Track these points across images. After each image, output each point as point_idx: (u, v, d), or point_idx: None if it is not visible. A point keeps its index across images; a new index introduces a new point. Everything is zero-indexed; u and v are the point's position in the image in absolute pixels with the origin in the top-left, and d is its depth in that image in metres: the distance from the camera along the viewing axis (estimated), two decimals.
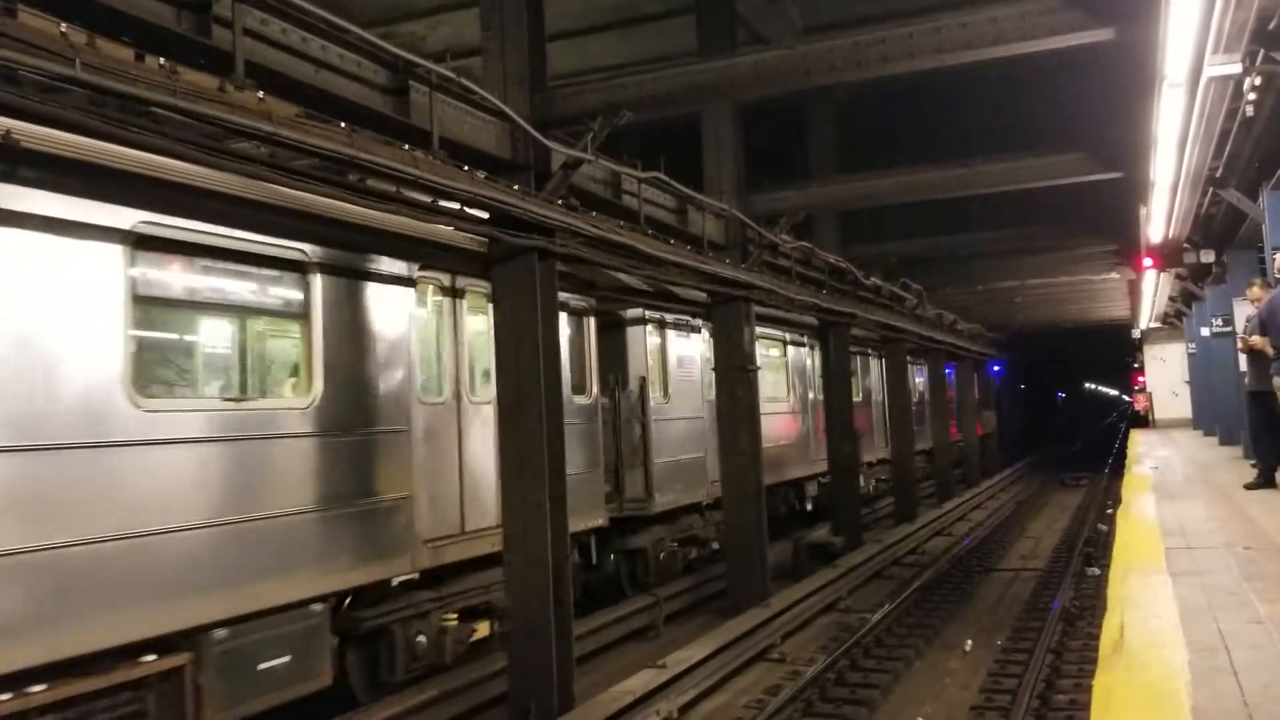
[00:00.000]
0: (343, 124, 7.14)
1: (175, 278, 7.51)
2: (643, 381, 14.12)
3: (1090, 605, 13.32)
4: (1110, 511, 20.18)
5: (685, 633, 12.80)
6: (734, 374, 13.87)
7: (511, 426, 9.30)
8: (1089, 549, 17.41)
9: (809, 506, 19.77)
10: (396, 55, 8.05)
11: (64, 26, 5.21)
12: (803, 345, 20.17)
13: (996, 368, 40.97)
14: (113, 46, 5.73)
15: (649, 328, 14.52)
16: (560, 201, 9.58)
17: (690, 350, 15.54)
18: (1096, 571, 15.19)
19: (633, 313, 14.28)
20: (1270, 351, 10.49)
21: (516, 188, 8.97)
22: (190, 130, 5.95)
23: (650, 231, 11.49)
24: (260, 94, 6.30)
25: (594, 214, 10.21)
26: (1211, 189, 12.75)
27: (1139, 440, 25.43)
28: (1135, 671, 4.61)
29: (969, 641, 12.27)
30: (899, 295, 22.43)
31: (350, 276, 8.82)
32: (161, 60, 5.85)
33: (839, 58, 9.30)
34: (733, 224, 14.25)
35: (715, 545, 15.44)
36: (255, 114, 6.18)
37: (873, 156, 19.32)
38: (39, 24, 5.11)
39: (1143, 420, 37.07)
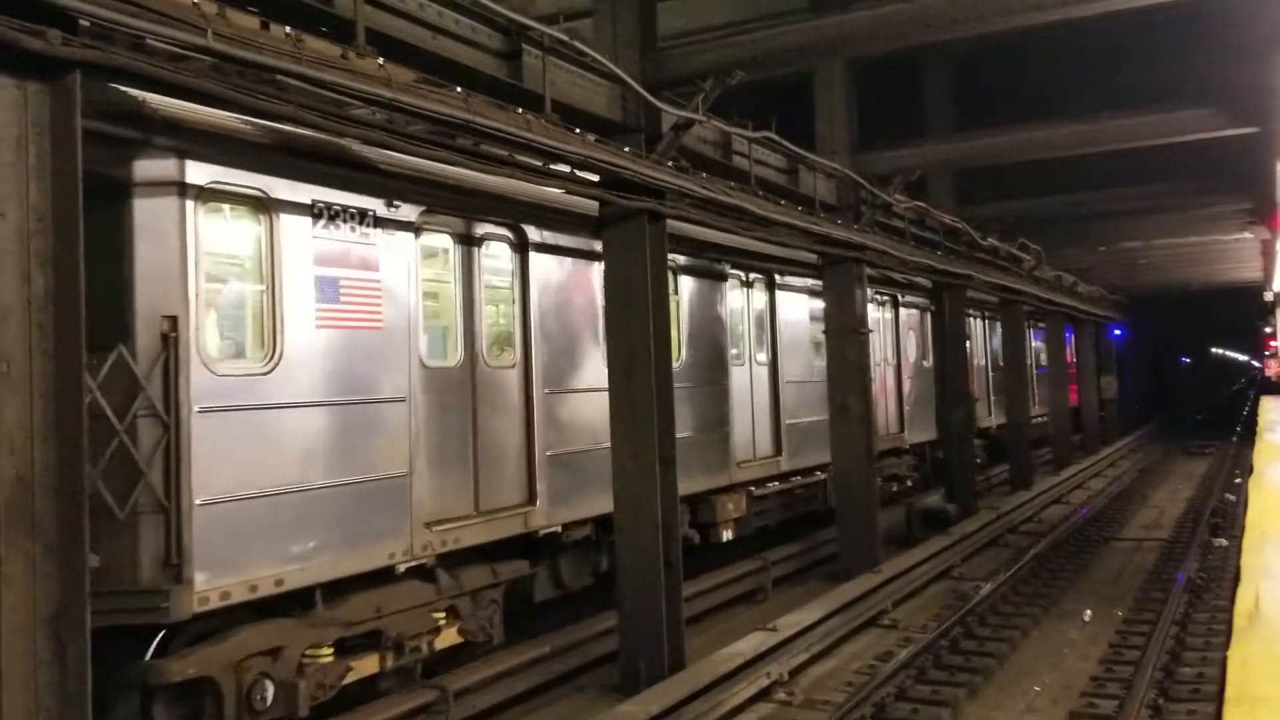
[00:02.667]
0: (458, 89, 7.20)
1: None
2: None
3: (1217, 577, 12.84)
4: (1239, 481, 19.40)
5: (792, 597, 12.78)
6: (845, 337, 13.69)
7: (622, 389, 9.35)
8: (1216, 519, 16.76)
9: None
10: (510, 19, 8.10)
11: None
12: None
13: (1118, 331, 39.61)
14: (240, 16, 5.89)
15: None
16: (670, 163, 9.55)
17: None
18: (1224, 543, 14.63)
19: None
20: None
21: (628, 150, 8.96)
22: (312, 97, 6.09)
23: (760, 192, 11.37)
24: (380, 60, 6.41)
25: (704, 175, 10.15)
26: None
27: (1270, 407, 24.34)
28: (1273, 643, 4.43)
29: (1088, 612, 11.96)
30: (1016, 256, 21.81)
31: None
32: (287, 29, 5.99)
33: (960, 10, 9.02)
34: (845, 184, 14.01)
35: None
36: (376, 80, 6.28)
37: (990, 114, 18.72)
38: None
39: (1275, 387, 35.47)
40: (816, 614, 10.85)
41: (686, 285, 12.40)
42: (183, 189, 6.72)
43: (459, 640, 8.89)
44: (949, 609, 12.05)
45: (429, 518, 8.35)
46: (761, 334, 14.43)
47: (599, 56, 8.81)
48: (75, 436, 4.62)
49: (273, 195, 7.29)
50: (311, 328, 7.51)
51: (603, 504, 9.71)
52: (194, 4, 5.22)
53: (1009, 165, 18.59)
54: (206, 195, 6.89)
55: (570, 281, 10.31)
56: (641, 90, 9.12)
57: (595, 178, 8.86)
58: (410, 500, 8.17)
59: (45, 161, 4.71)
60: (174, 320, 6.59)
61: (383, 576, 8.01)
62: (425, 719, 8.22)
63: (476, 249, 9.27)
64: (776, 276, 14.60)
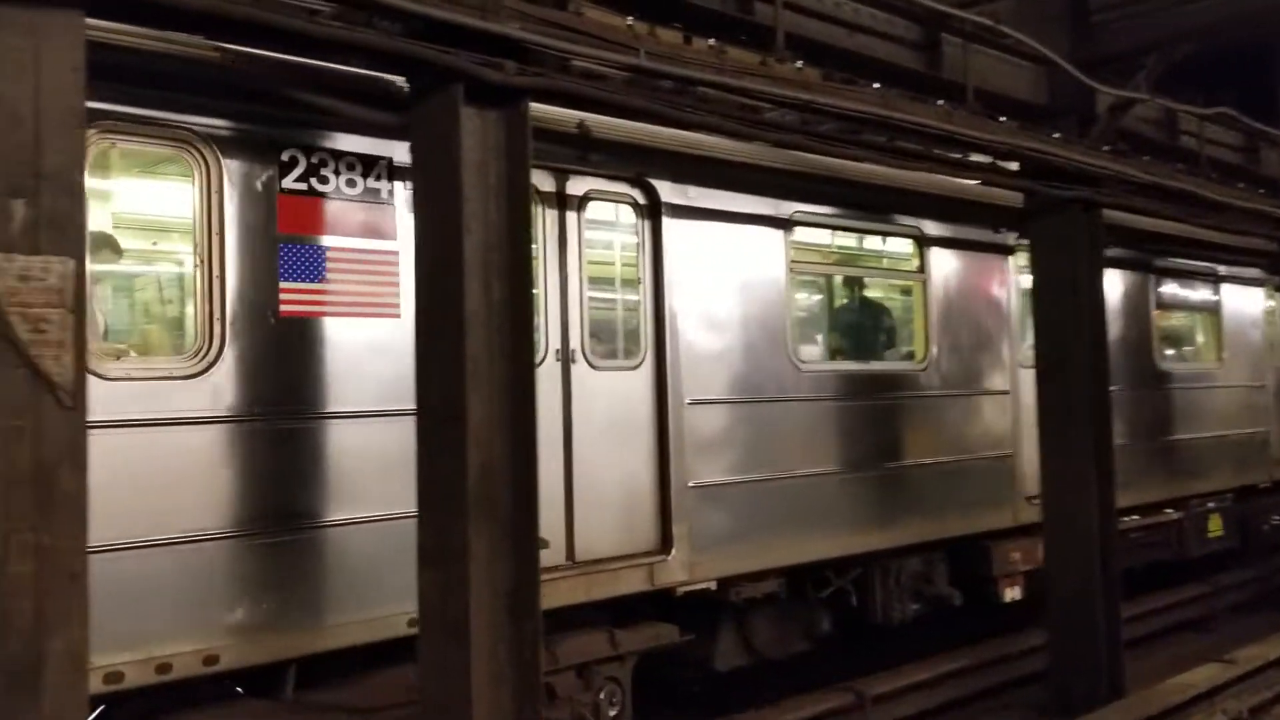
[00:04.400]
0: (875, 85, 7.11)
1: None
2: None
3: None
4: None
5: (1245, 627, 11.34)
6: None
7: (1051, 393, 8.75)
8: None
9: None
10: (928, 9, 7.88)
11: (629, 19, 5.73)
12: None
13: None
14: (665, 33, 6.19)
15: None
16: (1106, 147, 8.82)
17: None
18: None
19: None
20: None
21: (1057, 135, 8.39)
22: (728, 105, 6.25)
23: (1212, 175, 10.22)
24: (799, 63, 6.48)
25: (1145, 158, 9.29)
26: None
27: None
28: None
29: None
30: None
31: None
32: (711, 41, 6.21)
33: None
34: None
35: None
36: (793, 84, 6.36)
37: None
38: (604, 18, 5.67)
39: None
40: None
41: None
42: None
43: None
44: None
45: None
46: None
47: (1026, 39, 8.33)
48: (529, 429, 5.06)
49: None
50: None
51: (799, 549, 7.78)
52: (628, 27, 5.56)
53: None
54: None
55: (736, 259, 7.70)
56: (1073, 70, 8.50)
57: (1014, 166, 8.37)
58: None
59: (502, 182, 5.20)
60: None
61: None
62: None
63: (579, 211, 7.02)
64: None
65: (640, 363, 7.12)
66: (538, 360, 6.43)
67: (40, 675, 3.88)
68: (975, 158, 8.00)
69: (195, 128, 5.30)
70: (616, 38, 5.39)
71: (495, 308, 5.11)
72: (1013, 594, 9.70)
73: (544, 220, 6.69)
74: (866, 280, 9.50)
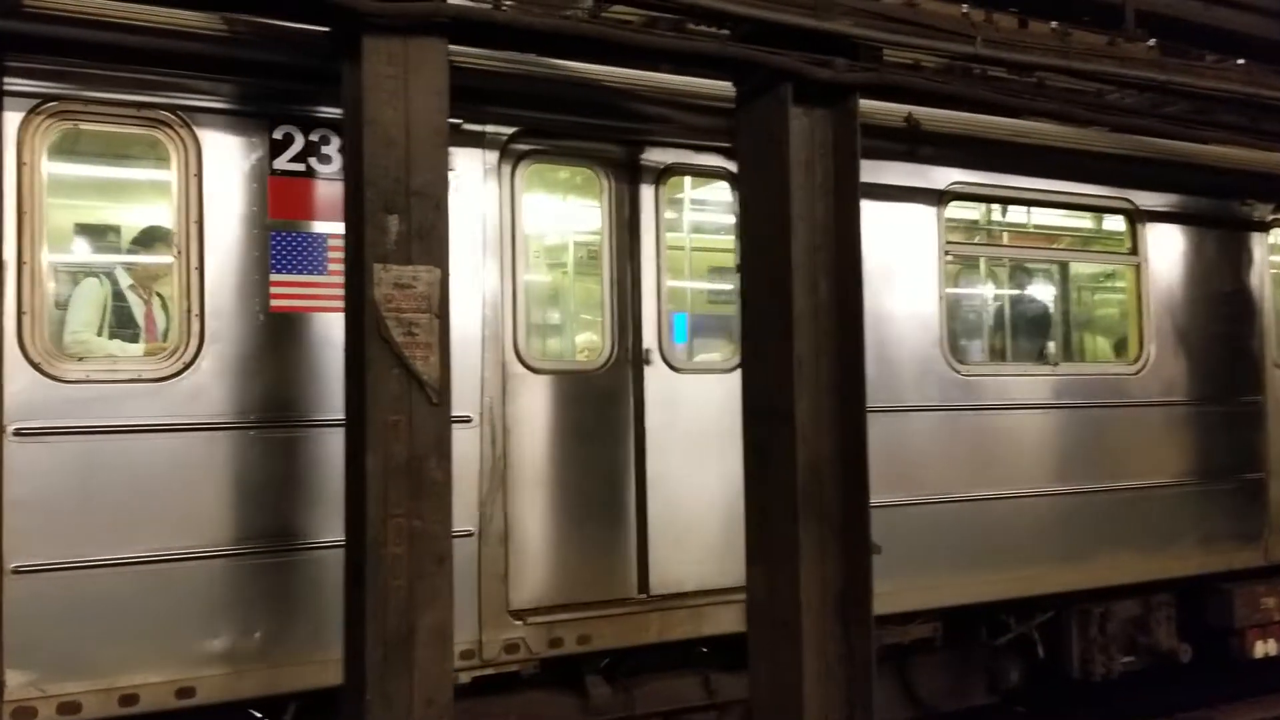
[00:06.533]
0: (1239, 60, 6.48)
1: None
2: None
3: None
4: None
5: None
6: None
7: None
8: None
9: None
10: None
11: (964, 7, 5.53)
12: None
13: None
14: (1001, 18, 5.93)
15: None
16: None
17: None
18: None
19: None
20: None
21: None
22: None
23: None
24: (1151, 42, 6.02)
25: None
26: None
27: None
28: None
29: None
30: None
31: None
32: (1053, 24, 5.90)
33: None
34: None
35: None
36: (1143, 64, 5.91)
37: None
38: (938, 8, 5.49)
39: None
40: None
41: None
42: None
43: None
44: None
45: (517, 604, 5.49)
46: None
47: None
48: (859, 429, 5.01)
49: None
50: None
51: (958, 589, 6.57)
52: (963, 14, 5.38)
53: None
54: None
55: (880, 237, 6.31)
56: None
57: None
58: (479, 571, 5.37)
59: (829, 181, 5.17)
60: None
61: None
62: None
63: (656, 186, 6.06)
64: None
65: (730, 363, 6.01)
66: (599, 362, 5.84)
67: (412, 648, 4.28)
68: None
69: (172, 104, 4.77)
70: (952, 27, 5.22)
71: (822, 307, 5.09)
72: (1265, 649, 7.92)
73: (613, 199, 5.89)
74: (1057, 265, 8.20)
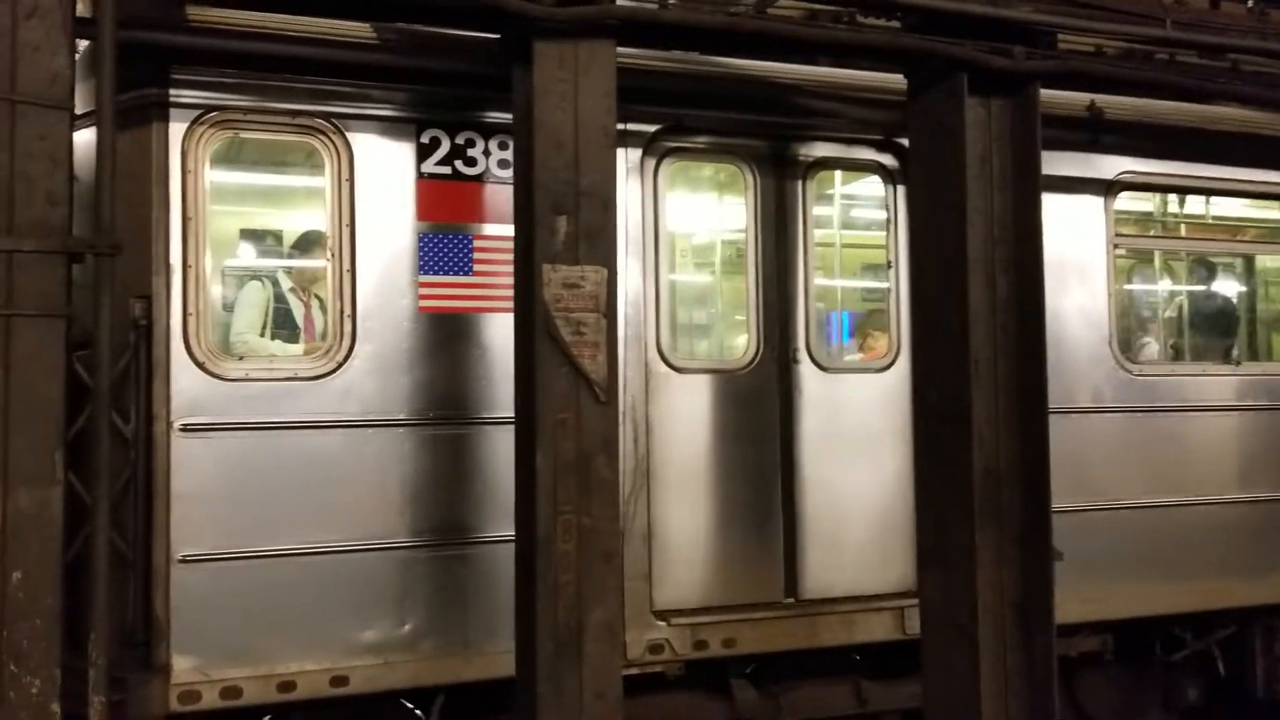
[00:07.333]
0: None
1: None
2: None
3: None
4: None
5: None
6: None
7: None
8: None
9: None
10: None
11: None
12: None
13: None
14: None
15: None
16: None
17: None
18: None
19: None
20: None
21: None
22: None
23: None
24: None
25: None
26: None
27: None
28: None
29: None
30: None
31: None
32: (1249, 2, 5.54)
33: None
34: None
35: None
36: None
37: None
38: None
39: None
40: None
41: None
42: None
43: None
44: None
45: (661, 604, 5.42)
46: None
47: None
48: (1040, 431, 4.79)
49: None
50: None
51: (1127, 601, 6.18)
52: None
53: None
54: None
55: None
56: None
57: None
58: (622, 570, 5.16)
59: (1006, 172, 4.97)
60: None
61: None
62: None
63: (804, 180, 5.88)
64: None
65: (891, 361, 5.83)
66: (743, 362, 5.71)
67: (582, 643, 4.32)
68: None
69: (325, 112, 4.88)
70: (1141, 10, 4.95)
71: (1001, 304, 4.91)
72: None
73: (759, 195, 5.74)
74: (1240, 259, 7.67)
